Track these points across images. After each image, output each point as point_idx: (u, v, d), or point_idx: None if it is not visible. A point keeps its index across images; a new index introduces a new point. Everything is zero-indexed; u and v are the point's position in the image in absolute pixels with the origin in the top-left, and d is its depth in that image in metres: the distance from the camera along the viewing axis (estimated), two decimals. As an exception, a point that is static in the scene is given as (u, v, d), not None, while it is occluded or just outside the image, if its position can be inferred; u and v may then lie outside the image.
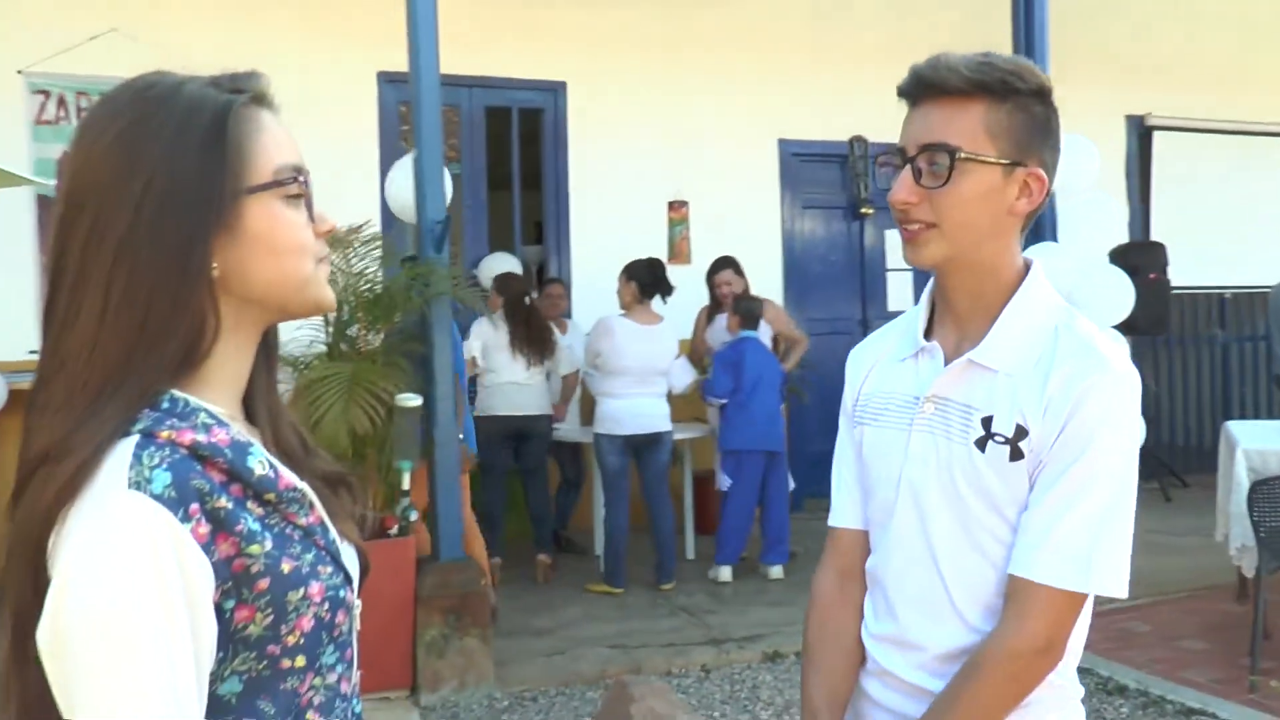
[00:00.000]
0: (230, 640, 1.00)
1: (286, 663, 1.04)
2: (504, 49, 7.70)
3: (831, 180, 8.56)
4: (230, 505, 1.00)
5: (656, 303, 6.32)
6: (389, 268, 5.35)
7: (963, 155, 1.40)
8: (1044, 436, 1.38)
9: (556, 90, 8.03)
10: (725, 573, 6.34)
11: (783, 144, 8.35)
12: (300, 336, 5.01)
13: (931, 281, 1.56)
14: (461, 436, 5.12)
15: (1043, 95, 1.45)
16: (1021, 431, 1.40)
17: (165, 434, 0.98)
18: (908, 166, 1.44)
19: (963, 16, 8.03)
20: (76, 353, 1.00)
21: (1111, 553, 1.37)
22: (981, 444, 1.42)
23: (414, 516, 4.87)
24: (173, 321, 1.02)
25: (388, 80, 7.41)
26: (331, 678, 1.11)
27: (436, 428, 4.96)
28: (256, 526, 1.02)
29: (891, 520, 1.53)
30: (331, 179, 6.53)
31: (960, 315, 1.51)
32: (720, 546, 6.40)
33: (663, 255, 7.95)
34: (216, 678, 1.00)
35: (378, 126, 7.53)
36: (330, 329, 4.99)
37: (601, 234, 7.90)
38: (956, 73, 1.41)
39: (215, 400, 1.08)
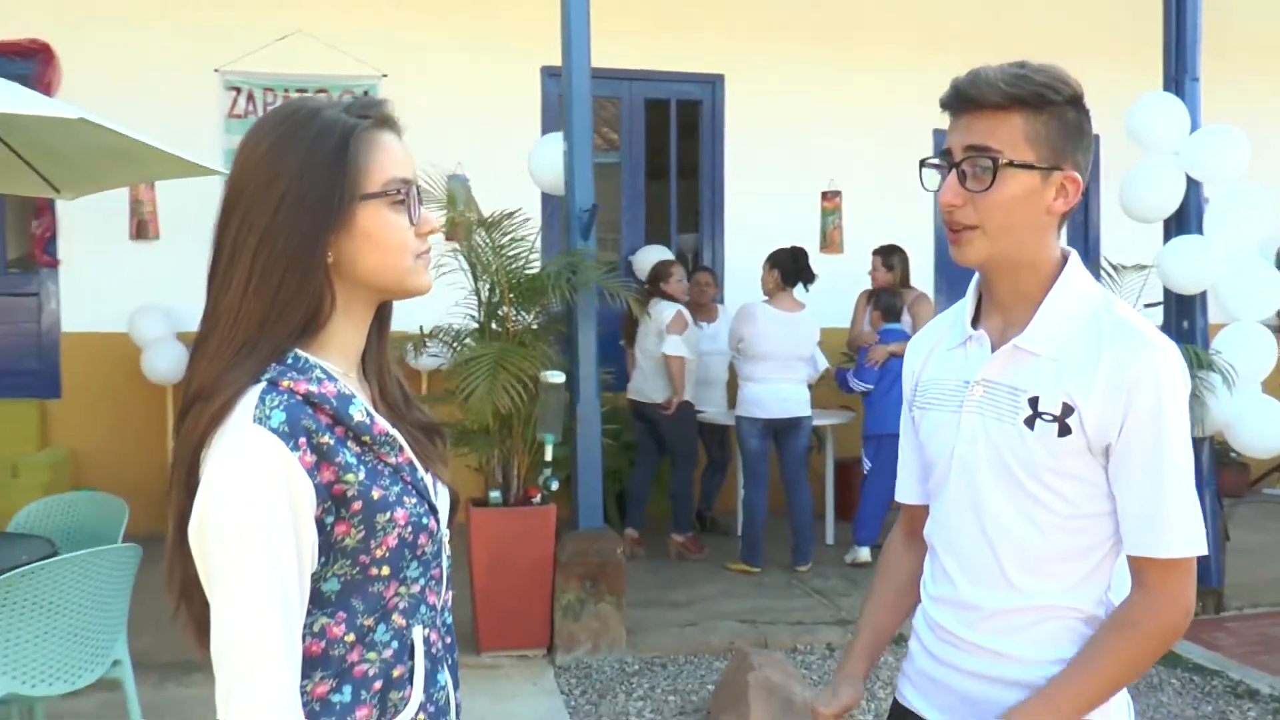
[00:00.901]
0: (331, 549, 1.28)
1: (374, 571, 1.31)
2: (664, 43, 7.95)
3: (987, 170, 8.42)
4: (332, 442, 1.27)
5: (799, 290, 6.46)
6: (548, 251, 5.65)
7: (1005, 161, 1.51)
8: (1104, 417, 1.50)
9: (714, 82, 8.23)
10: (864, 554, 6.44)
11: (938, 134, 8.32)
12: (457, 312, 5.38)
13: (977, 275, 1.68)
14: None
15: (1075, 102, 1.54)
16: (1068, 409, 1.51)
17: (286, 383, 1.26)
18: (954, 171, 1.55)
19: (1119, 7, 7.87)
20: (226, 316, 1.29)
21: (1199, 512, 1.53)
22: (1030, 422, 1.54)
23: (555, 486, 5.16)
24: (297, 296, 1.29)
25: (551, 74, 7.74)
26: (415, 588, 1.36)
27: (579, 404, 5.25)
28: (353, 460, 1.28)
29: (945, 495, 1.68)
30: (494, 167, 7.00)
31: (1004, 305, 1.63)
32: (858, 528, 6.51)
33: (815, 244, 8.08)
34: (320, 577, 1.28)
35: (540, 118, 7.87)
36: (482, 309, 5.32)
37: (755, 223, 8.07)
38: (995, 88, 1.51)
39: (332, 360, 1.35)
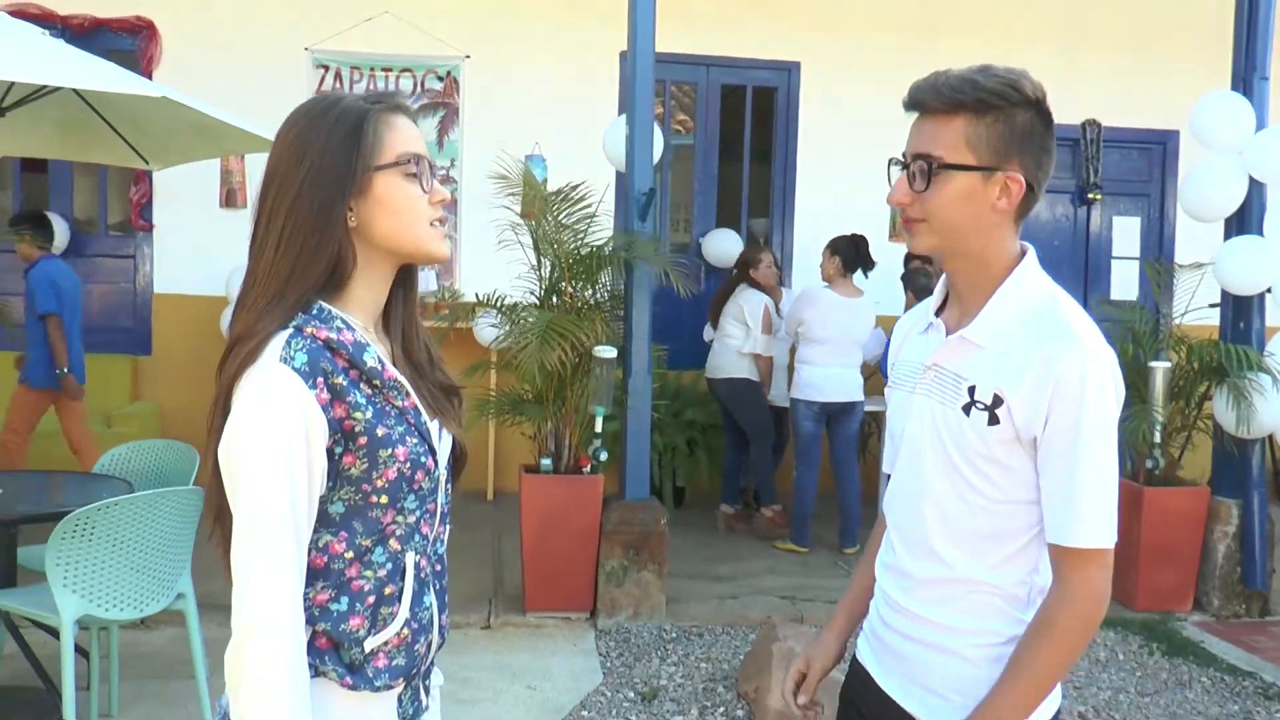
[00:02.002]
0: (338, 476, 1.49)
1: (374, 499, 1.51)
2: (742, 30, 8.09)
3: (1060, 164, 8.37)
4: (345, 383, 1.47)
5: (858, 277, 6.58)
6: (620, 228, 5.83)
7: (941, 164, 1.63)
8: (1030, 410, 1.59)
9: (790, 70, 8.34)
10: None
11: (1012, 126, 8.31)
12: (520, 285, 5.62)
13: (943, 266, 1.81)
14: (66, 369, 6.08)
15: (1030, 105, 1.63)
16: (998, 400, 1.61)
17: (309, 330, 1.47)
18: (903, 171, 1.68)
19: (1200, 1, 7.78)
20: (262, 273, 1.51)
21: (1115, 508, 1.62)
22: (967, 409, 1.65)
23: (604, 457, 5.37)
24: (318, 253, 1.50)
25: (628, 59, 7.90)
26: (411, 519, 1.56)
27: (630, 378, 5.45)
28: (363, 400, 1.49)
29: (897, 469, 1.82)
30: (572, 149, 7.18)
31: (961, 296, 1.75)
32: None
33: (884, 233, 8.15)
34: (327, 500, 1.49)
35: (618, 101, 8.05)
36: (542, 284, 5.54)
37: (825, 209, 8.16)
38: (939, 95, 1.63)
39: (355, 313, 1.56)
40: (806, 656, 2.01)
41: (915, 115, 1.71)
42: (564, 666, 4.79)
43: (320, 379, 1.43)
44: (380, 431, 1.49)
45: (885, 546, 1.86)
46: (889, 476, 1.93)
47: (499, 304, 5.59)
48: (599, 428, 5.33)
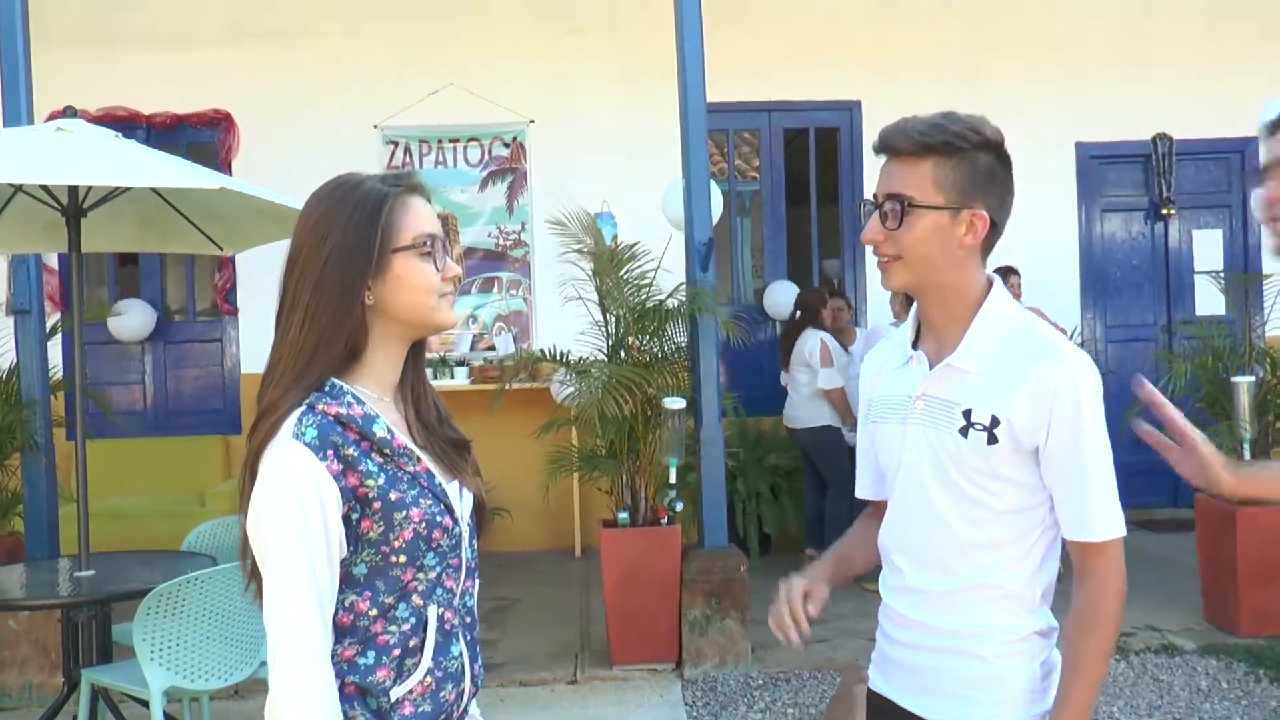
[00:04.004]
0: (358, 540, 1.57)
1: (394, 559, 1.60)
2: (800, 73, 8.14)
3: (1133, 181, 8.32)
4: (356, 453, 1.56)
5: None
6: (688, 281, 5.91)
7: (913, 204, 1.73)
8: (1031, 423, 1.70)
9: (851, 109, 8.36)
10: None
11: (1080, 146, 8.21)
12: (587, 342, 5.70)
13: (917, 301, 1.89)
14: None
15: (990, 147, 1.76)
16: (995, 421, 1.71)
17: (320, 406, 1.57)
18: (876, 211, 1.78)
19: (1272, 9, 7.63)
20: (288, 349, 1.61)
21: (1118, 498, 1.74)
22: (964, 431, 1.74)
23: (680, 507, 5.39)
24: (340, 332, 1.60)
25: (688, 111, 7.99)
26: (432, 575, 1.64)
27: (702, 428, 5.47)
28: (374, 468, 1.58)
29: (895, 498, 1.89)
30: (640, 205, 7.25)
31: (937, 327, 1.84)
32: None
33: (956, 264, 8.07)
34: (350, 563, 1.58)
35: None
36: (609, 340, 5.62)
37: (896, 246, 8.11)
38: (910, 139, 1.74)
39: (368, 386, 1.65)
40: (808, 579, 1.96)
41: (884, 158, 1.81)
42: (649, 718, 4.79)
43: (331, 451, 1.52)
44: (393, 496, 1.57)
45: (890, 573, 1.92)
46: (865, 502, 2.04)
47: (566, 360, 5.67)
48: (673, 478, 5.35)
